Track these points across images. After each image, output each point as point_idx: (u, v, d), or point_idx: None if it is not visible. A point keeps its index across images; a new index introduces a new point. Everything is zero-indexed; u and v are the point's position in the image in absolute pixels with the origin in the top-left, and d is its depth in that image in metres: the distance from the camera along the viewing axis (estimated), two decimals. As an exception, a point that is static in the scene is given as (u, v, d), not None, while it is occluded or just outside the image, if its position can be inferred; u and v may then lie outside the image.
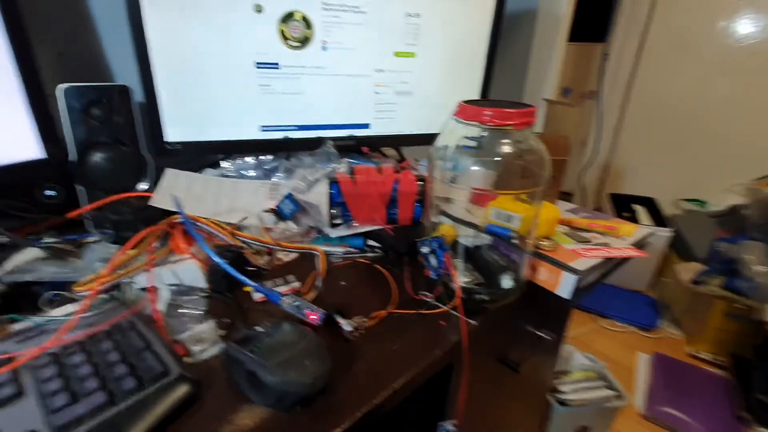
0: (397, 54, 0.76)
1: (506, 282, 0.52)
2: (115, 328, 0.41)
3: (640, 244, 0.64)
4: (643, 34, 1.88)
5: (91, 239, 0.62)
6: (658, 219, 1.82)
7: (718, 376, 1.46)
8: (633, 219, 1.81)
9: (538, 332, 0.70)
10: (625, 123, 2.04)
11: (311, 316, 0.45)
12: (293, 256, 0.61)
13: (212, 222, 0.60)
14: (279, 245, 0.60)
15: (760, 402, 1.25)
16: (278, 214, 0.66)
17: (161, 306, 0.48)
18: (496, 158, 0.45)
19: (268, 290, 0.46)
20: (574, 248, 0.57)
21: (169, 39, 0.62)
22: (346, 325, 0.44)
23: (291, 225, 0.67)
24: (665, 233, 1.73)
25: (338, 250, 0.62)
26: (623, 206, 1.91)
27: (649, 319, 1.70)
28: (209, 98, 0.68)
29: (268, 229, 0.65)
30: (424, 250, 0.47)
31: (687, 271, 1.59)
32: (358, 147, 0.80)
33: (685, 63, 1.84)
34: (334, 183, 0.59)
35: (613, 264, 0.58)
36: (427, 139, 0.85)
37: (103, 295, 0.48)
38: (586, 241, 0.60)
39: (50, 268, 0.52)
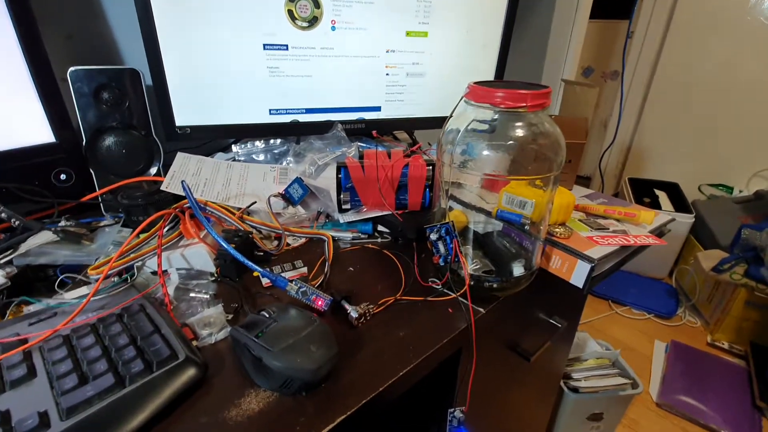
0: (409, 33, 0.74)
1: (517, 269, 0.50)
2: (125, 311, 0.42)
3: (659, 232, 0.62)
4: (671, 11, 1.79)
5: (104, 223, 0.63)
6: (681, 205, 1.76)
7: (737, 365, 1.43)
8: (654, 204, 1.75)
9: (550, 320, 0.69)
10: (649, 104, 1.96)
11: (318, 302, 0.45)
12: (302, 241, 0.61)
13: (221, 206, 0.60)
14: (287, 230, 0.60)
15: (781, 392, 1.22)
16: (287, 198, 0.66)
17: (170, 290, 0.48)
18: (509, 142, 0.44)
19: (275, 276, 0.45)
20: (589, 235, 0.55)
21: (176, 22, 0.61)
22: (352, 311, 0.44)
23: (300, 210, 0.67)
24: (687, 219, 1.67)
25: (347, 235, 0.62)
26: (644, 191, 1.85)
27: (667, 307, 1.66)
28: (218, 82, 0.67)
29: (277, 214, 0.64)
30: (433, 236, 0.46)
31: (709, 258, 1.54)
32: (369, 130, 0.78)
33: (714, 42, 1.74)
34: (342, 168, 0.58)
35: (629, 252, 0.56)
36: (440, 122, 0.83)
37: (115, 278, 0.49)
38: (603, 228, 0.58)
39: (64, 252, 0.53)
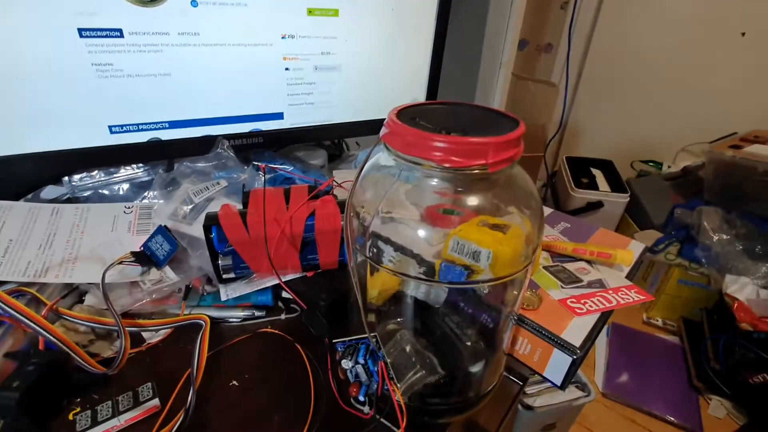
0: (312, 12, 0.53)
1: (475, 368, 0.35)
2: None
3: (634, 268, 0.51)
4: (605, -21, 1.71)
5: None
6: (616, 183, 1.76)
7: (673, 342, 1.46)
8: (592, 185, 1.73)
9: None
10: (584, 80, 1.90)
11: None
12: (165, 332, 0.41)
13: (25, 288, 0.38)
14: (134, 325, 0.40)
15: (714, 370, 1.25)
16: (149, 258, 0.45)
17: None
18: (459, 210, 0.27)
19: None
20: (562, 298, 0.41)
21: None
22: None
23: (168, 274, 0.46)
24: (622, 199, 1.67)
25: (235, 314, 0.43)
26: (581, 170, 1.82)
27: (606, 288, 1.67)
28: (17, 90, 0.43)
29: (133, 285, 0.44)
30: (346, 363, 0.29)
31: (644, 239, 1.55)
32: (270, 145, 0.59)
33: (648, 13, 1.70)
34: (213, 226, 0.38)
35: (607, 317, 0.43)
36: (368, 127, 0.66)
37: None
38: (576, 281, 0.44)
39: None
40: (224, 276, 0.41)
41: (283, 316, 0.44)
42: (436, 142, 0.22)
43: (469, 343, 0.36)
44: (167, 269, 0.47)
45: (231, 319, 0.43)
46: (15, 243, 0.44)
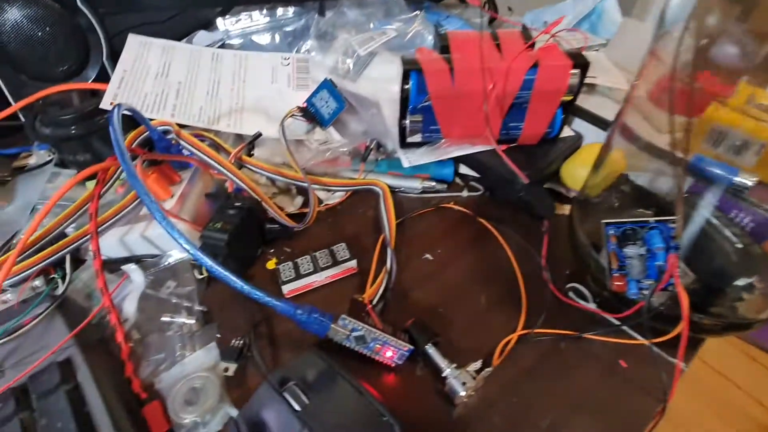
0: None
1: (742, 282, 0.27)
2: (34, 383, 0.22)
3: None
4: None
5: (32, 161, 0.40)
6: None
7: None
8: None
9: None
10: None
11: (385, 353, 0.25)
12: (340, 196, 0.38)
13: (207, 136, 0.36)
14: (317, 183, 0.36)
15: None
16: (311, 116, 0.41)
17: (130, 306, 0.28)
18: None
19: (304, 314, 0.23)
20: None
21: None
22: (452, 378, 0.24)
23: (333, 135, 0.42)
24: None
25: (412, 184, 0.38)
26: None
27: None
28: None
29: (297, 144, 0.40)
30: (630, 250, 0.22)
31: None
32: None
33: None
34: (413, 72, 0.31)
35: None
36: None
37: (36, 283, 0.29)
38: None
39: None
40: (408, 139, 0.35)
41: (464, 193, 0.38)
42: None
43: (735, 250, 0.28)
44: (331, 130, 0.42)
45: (408, 190, 0.38)
46: (184, 86, 0.41)
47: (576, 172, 0.35)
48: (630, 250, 0.22)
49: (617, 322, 0.26)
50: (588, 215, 0.31)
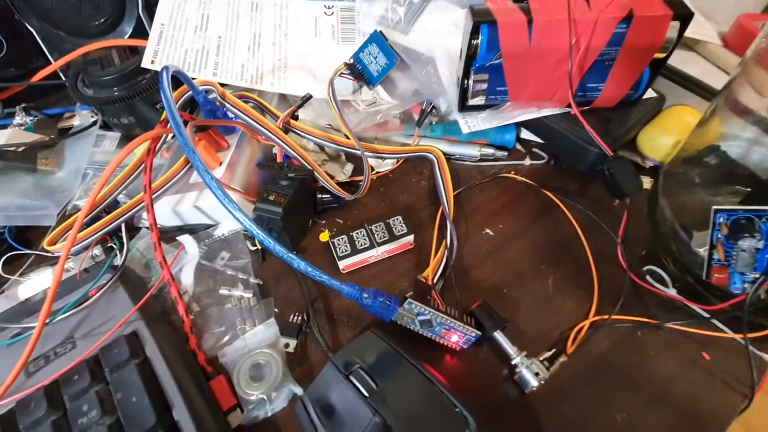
0: None
1: None
2: (106, 355, 0.23)
3: None
4: None
5: (76, 123, 0.39)
6: None
7: None
8: None
9: None
10: None
11: (451, 337, 0.24)
12: (391, 165, 0.36)
13: (250, 98, 0.34)
14: (371, 150, 0.34)
15: None
16: (358, 72, 0.37)
17: (187, 278, 0.28)
18: None
19: (370, 298, 0.22)
20: None
21: None
22: (523, 368, 0.22)
23: (382, 95, 0.39)
24: None
25: (469, 151, 0.35)
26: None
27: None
28: None
29: (343, 105, 0.38)
30: (744, 244, 0.20)
31: None
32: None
33: None
34: (485, 25, 0.27)
35: None
36: None
37: (95, 253, 0.29)
38: None
39: (10, 190, 0.32)
40: (470, 101, 0.32)
41: (527, 162, 0.35)
42: None
43: None
44: (380, 89, 0.39)
45: (464, 157, 0.36)
46: (224, 41, 0.39)
47: (659, 141, 0.31)
48: (745, 243, 0.19)
49: (706, 315, 0.24)
50: (671, 190, 0.28)
